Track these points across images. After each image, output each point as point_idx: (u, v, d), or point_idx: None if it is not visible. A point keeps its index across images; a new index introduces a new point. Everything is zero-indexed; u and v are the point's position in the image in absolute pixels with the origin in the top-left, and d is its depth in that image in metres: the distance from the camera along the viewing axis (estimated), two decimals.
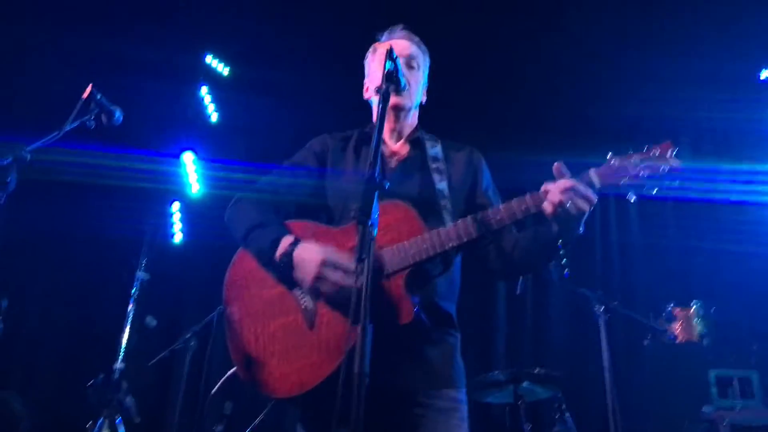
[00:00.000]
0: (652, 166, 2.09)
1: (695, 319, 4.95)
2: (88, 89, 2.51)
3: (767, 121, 6.70)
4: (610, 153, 2.15)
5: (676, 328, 4.94)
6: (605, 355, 4.30)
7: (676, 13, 5.81)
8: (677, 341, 4.91)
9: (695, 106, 6.65)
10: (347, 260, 2.10)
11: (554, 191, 2.06)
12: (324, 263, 2.11)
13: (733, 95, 6.49)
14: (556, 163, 2.11)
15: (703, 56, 6.10)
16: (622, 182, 2.11)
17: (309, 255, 2.15)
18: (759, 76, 6.55)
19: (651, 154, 2.12)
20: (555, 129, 6.83)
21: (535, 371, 4.77)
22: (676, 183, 2.09)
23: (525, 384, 4.76)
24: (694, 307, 4.97)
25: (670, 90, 6.45)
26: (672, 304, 5.03)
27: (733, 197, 6.29)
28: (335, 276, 2.10)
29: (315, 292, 2.17)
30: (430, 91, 2.74)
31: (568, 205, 2.03)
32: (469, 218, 2.18)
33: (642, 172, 2.09)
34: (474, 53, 6.29)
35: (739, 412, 4.26)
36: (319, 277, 2.11)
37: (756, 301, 6.01)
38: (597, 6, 5.80)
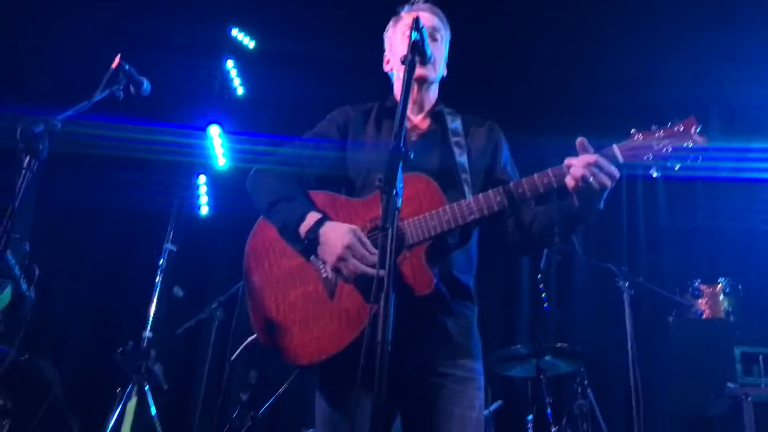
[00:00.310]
0: (676, 143, 2.08)
1: (721, 296, 4.91)
2: (117, 59, 2.53)
3: None
4: (634, 129, 2.14)
5: (702, 304, 4.90)
6: (629, 330, 4.29)
7: None
8: (703, 317, 4.88)
9: (725, 84, 6.52)
10: (372, 248, 2.13)
11: (577, 165, 2.05)
12: (349, 246, 2.14)
13: (764, 70, 6.33)
14: (579, 138, 2.11)
15: (733, 31, 5.95)
16: (645, 158, 2.10)
17: (335, 235, 2.18)
18: None
19: (675, 129, 2.11)
20: (580, 108, 6.76)
21: (558, 345, 4.77)
22: (700, 160, 2.08)
23: (547, 358, 4.78)
24: (721, 283, 4.93)
25: (699, 66, 6.32)
26: (698, 281, 5.00)
27: (764, 175, 6.17)
28: (358, 261, 2.13)
29: (337, 272, 2.19)
30: (450, 66, 2.72)
31: (591, 180, 2.03)
32: (490, 192, 2.19)
33: (666, 148, 2.08)
34: (494, 31, 6.20)
35: (763, 389, 4.22)
36: (342, 258, 2.14)
37: None
38: None
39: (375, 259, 2.07)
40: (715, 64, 6.27)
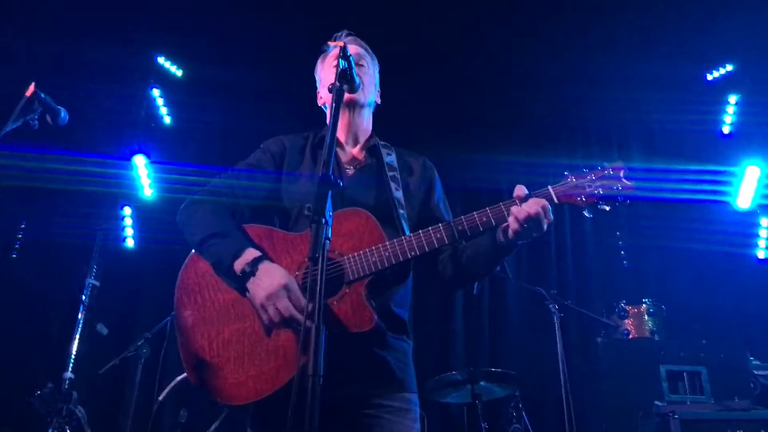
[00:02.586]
0: (606, 185, 2.20)
1: (646, 316, 5.08)
2: (31, 88, 2.42)
3: (714, 121, 6.91)
4: (567, 171, 2.24)
5: (629, 324, 5.05)
6: (560, 352, 4.37)
7: (625, 17, 5.95)
8: (630, 337, 5.03)
9: (645, 108, 6.85)
10: (303, 298, 2.08)
11: (526, 210, 2.10)
12: (285, 287, 2.09)
13: (682, 96, 6.69)
14: (518, 186, 2.16)
15: (651, 59, 6.28)
16: (578, 199, 2.21)
17: (272, 274, 2.12)
18: (706, 78, 6.76)
19: (605, 173, 2.22)
20: (508, 130, 6.94)
21: (492, 370, 4.81)
22: (628, 203, 2.20)
23: (482, 383, 4.80)
24: (645, 304, 5.11)
25: (620, 91, 6.62)
26: (624, 301, 5.15)
27: (684, 196, 6.46)
28: (288, 303, 2.08)
29: (263, 311, 2.12)
30: (383, 97, 2.74)
31: (534, 224, 2.10)
32: (430, 229, 2.21)
33: (597, 190, 2.20)
34: (423, 56, 6.32)
35: (689, 407, 4.35)
36: (273, 296, 2.08)
37: (705, 297, 6.19)
38: (549, 9, 5.89)
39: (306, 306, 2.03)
40: (636, 89, 6.58)
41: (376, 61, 2.69)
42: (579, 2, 5.85)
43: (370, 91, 2.59)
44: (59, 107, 2.55)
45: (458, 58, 6.41)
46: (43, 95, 2.47)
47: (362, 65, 2.57)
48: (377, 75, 2.70)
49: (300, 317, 2.05)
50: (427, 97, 6.64)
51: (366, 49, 2.66)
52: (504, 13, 5.95)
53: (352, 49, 2.52)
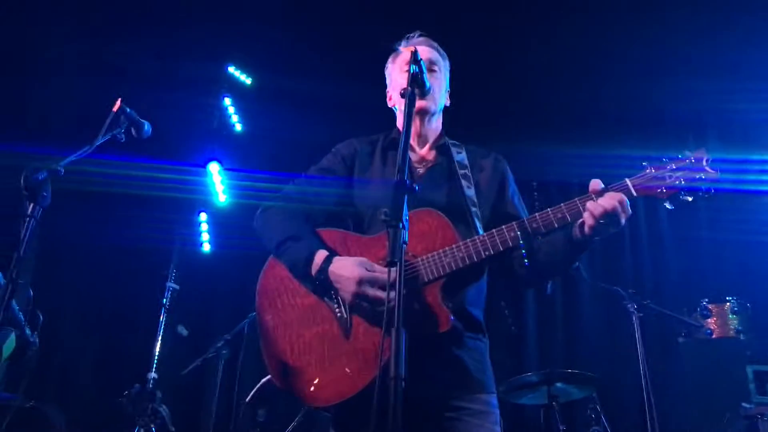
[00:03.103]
0: (688, 175, 2.10)
1: (730, 315, 4.88)
2: (118, 103, 2.54)
3: None
4: (646, 162, 2.15)
5: (712, 323, 4.86)
6: (641, 353, 4.25)
7: (700, 3, 5.73)
8: (713, 337, 4.84)
9: (722, 97, 6.57)
10: (383, 275, 2.11)
11: (603, 205, 2.04)
12: (361, 281, 2.12)
13: (760, 84, 6.39)
14: (593, 180, 2.11)
15: (728, 46, 6.02)
16: (658, 191, 2.12)
17: (345, 272, 2.16)
18: None
19: (686, 161, 2.12)
20: (581, 122, 6.80)
21: (569, 371, 4.72)
22: (712, 192, 2.08)
23: (558, 385, 4.72)
24: (729, 302, 4.90)
25: (696, 81, 6.37)
26: (706, 300, 4.97)
27: (765, 188, 6.17)
28: (374, 292, 2.11)
29: (355, 309, 2.18)
30: (452, 95, 2.74)
31: (609, 219, 2.04)
32: (504, 227, 2.18)
33: (678, 181, 2.10)
34: (494, 53, 6.28)
35: None
36: (358, 295, 2.13)
37: None
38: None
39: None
40: (713, 78, 6.33)
41: (447, 62, 2.68)
42: None
43: (439, 97, 2.59)
44: (143, 120, 2.67)
45: (529, 51, 6.33)
46: (128, 110, 2.59)
47: (434, 71, 2.57)
48: (448, 77, 2.69)
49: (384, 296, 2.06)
50: (498, 90, 6.58)
51: (438, 51, 2.65)
52: (577, 3, 5.84)
53: (424, 53, 2.53)
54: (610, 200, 2.05)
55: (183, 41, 6.25)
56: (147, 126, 2.68)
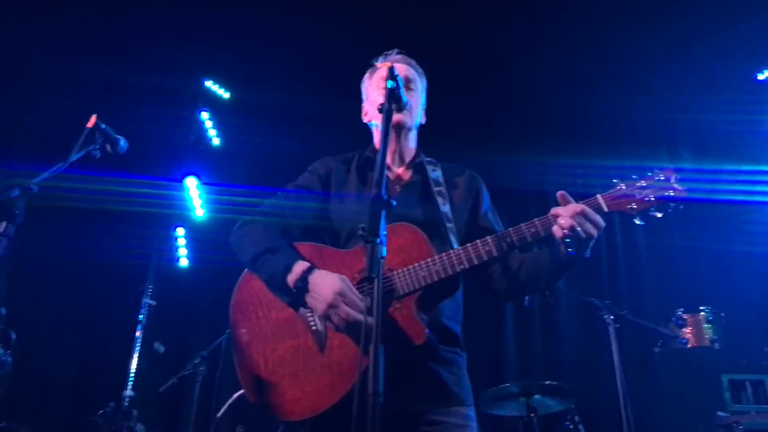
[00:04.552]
0: (658, 192, 2.14)
1: (705, 324, 4.94)
2: (93, 119, 2.52)
3: (766, 121, 6.72)
4: (617, 179, 2.20)
5: (687, 333, 4.92)
6: (617, 364, 4.28)
7: (674, 18, 5.86)
8: (688, 346, 4.90)
9: (694, 109, 6.71)
10: (360, 302, 2.12)
11: (564, 216, 2.07)
12: (340, 293, 2.12)
13: (732, 97, 6.54)
14: (559, 192, 2.14)
15: (700, 59, 6.16)
16: (628, 207, 2.16)
17: (325, 282, 2.16)
18: (756, 77, 6.59)
19: (655, 179, 2.17)
20: (556, 134, 6.89)
21: (547, 383, 4.74)
22: (681, 207, 2.14)
23: (537, 396, 4.73)
24: (704, 312, 4.97)
25: (669, 93, 6.50)
26: (681, 310, 5.03)
27: (738, 198, 6.29)
28: (346, 310, 2.11)
29: (327, 320, 2.17)
30: (431, 107, 2.76)
31: (578, 230, 2.06)
32: (478, 242, 2.20)
33: (647, 197, 2.14)
34: (472, 67, 6.35)
35: (754, 417, 4.22)
36: (333, 305, 2.12)
37: (765, 301, 5.98)
38: (596, 12, 5.85)
39: (364, 305, 2.06)
40: (685, 91, 6.46)
41: (424, 80, 2.71)
42: (626, 6, 5.78)
43: (416, 114, 2.61)
44: (118, 136, 2.65)
45: (506, 64, 6.42)
46: (103, 126, 2.57)
47: (411, 89, 2.59)
48: (425, 94, 2.71)
49: (361, 318, 2.07)
50: (474, 102, 6.65)
51: (415, 69, 2.67)
52: (552, 17, 5.93)
53: (402, 70, 2.56)
54: (574, 207, 2.08)
55: (159, 55, 6.22)
56: (123, 142, 2.66)
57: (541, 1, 5.83)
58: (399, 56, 2.67)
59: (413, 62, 2.69)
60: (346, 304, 2.12)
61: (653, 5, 5.77)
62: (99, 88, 6.11)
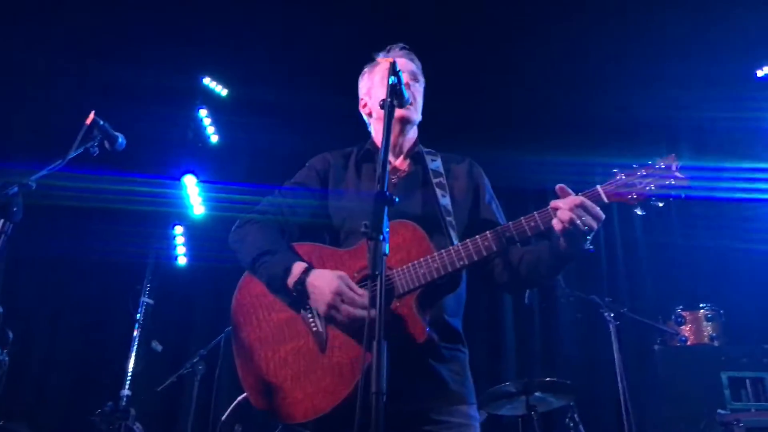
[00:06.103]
0: (658, 181, 2.10)
1: (704, 322, 4.94)
2: (91, 116, 2.50)
3: (766, 118, 6.73)
4: (616, 168, 2.15)
5: (686, 330, 4.92)
6: (617, 362, 4.27)
7: (674, 15, 5.85)
8: (688, 344, 4.89)
9: (694, 106, 6.70)
10: (360, 298, 2.10)
11: (564, 208, 2.05)
12: (338, 293, 2.11)
13: (732, 94, 6.53)
14: (558, 185, 2.12)
15: (700, 56, 6.15)
16: (629, 197, 2.11)
17: (323, 282, 2.14)
18: (756, 74, 6.59)
19: (656, 167, 2.12)
20: (555, 131, 6.88)
21: (547, 380, 4.73)
22: (683, 197, 2.09)
23: (537, 394, 4.72)
24: (703, 309, 4.97)
25: (669, 90, 6.49)
26: (681, 307, 5.02)
27: (737, 195, 6.28)
28: (347, 308, 2.10)
29: (329, 320, 2.16)
30: (428, 102, 2.74)
31: (578, 222, 2.03)
32: (478, 237, 2.17)
33: (648, 186, 2.10)
34: (470, 63, 6.34)
35: (754, 414, 4.22)
36: (333, 306, 2.11)
37: (766, 300, 5.98)
38: (596, 9, 5.84)
39: (365, 301, 2.04)
40: (685, 88, 6.45)
41: (423, 79, 2.69)
42: (626, 3, 5.77)
43: (419, 107, 2.59)
44: (117, 133, 2.63)
45: (505, 60, 6.40)
46: (101, 122, 2.54)
47: (418, 80, 2.59)
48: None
49: (363, 314, 2.05)
50: (473, 97, 6.64)
51: (418, 66, 2.65)
52: (553, 13, 5.92)
53: (405, 65, 2.54)
54: (573, 199, 2.05)
55: (157, 53, 6.19)
56: (121, 139, 2.64)
57: None
58: (402, 51, 2.65)
59: (415, 58, 2.67)
60: (346, 303, 2.10)
61: (653, 4, 5.76)
62: (97, 86, 6.08)
